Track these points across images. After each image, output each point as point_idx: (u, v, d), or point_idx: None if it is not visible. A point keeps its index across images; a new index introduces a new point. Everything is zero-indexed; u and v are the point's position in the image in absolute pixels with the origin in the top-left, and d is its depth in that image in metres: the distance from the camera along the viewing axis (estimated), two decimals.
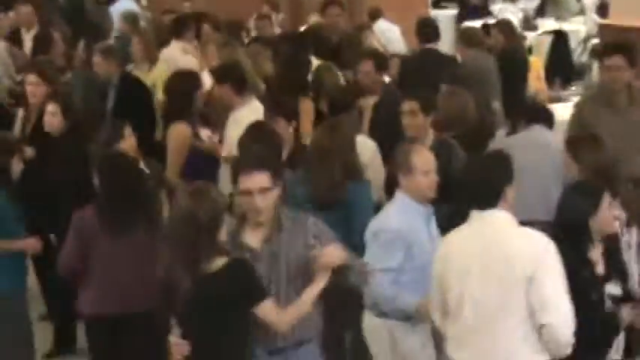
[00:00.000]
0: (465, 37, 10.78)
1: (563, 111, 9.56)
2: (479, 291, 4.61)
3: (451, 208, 5.80)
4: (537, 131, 7.36)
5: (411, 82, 8.94)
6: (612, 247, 5.32)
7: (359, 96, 7.71)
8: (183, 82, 8.00)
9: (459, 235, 4.82)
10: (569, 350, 4.60)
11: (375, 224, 5.50)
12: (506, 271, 4.56)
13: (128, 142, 6.78)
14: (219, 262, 4.60)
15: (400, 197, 5.49)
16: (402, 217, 5.40)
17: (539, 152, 7.07)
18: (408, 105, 6.86)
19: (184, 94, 7.84)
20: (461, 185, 5.01)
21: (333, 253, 4.74)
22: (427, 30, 10.55)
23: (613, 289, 5.16)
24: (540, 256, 4.56)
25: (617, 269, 5.23)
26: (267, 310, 4.65)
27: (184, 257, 4.59)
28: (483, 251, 4.64)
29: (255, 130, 6.48)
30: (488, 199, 4.71)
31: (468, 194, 4.82)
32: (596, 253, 5.15)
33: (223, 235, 4.65)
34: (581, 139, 6.30)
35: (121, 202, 5.92)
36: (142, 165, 6.68)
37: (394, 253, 5.31)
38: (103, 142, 6.76)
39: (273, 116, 6.87)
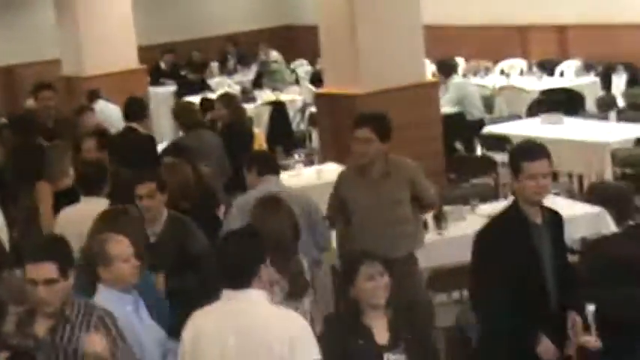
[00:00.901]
0: (182, 113, 10.83)
1: (289, 180, 9.71)
2: None
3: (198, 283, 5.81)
4: (272, 181, 7.30)
5: (120, 162, 8.84)
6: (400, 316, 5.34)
7: (106, 174, 7.63)
8: None
9: (211, 313, 4.71)
10: None
11: None
12: (265, 352, 4.49)
13: None
14: (2, 357, 4.37)
15: (101, 291, 5.25)
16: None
17: None
18: (144, 188, 6.83)
19: None
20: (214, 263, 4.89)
21: (93, 342, 4.59)
22: (133, 108, 10.62)
23: (395, 358, 5.16)
24: (297, 336, 4.54)
25: (402, 338, 5.23)
26: None
27: None
28: (241, 331, 4.56)
29: None
30: (242, 279, 4.63)
31: (221, 273, 4.70)
32: (375, 322, 5.20)
33: (9, 326, 4.45)
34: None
35: None
36: None
37: None
38: None
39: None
